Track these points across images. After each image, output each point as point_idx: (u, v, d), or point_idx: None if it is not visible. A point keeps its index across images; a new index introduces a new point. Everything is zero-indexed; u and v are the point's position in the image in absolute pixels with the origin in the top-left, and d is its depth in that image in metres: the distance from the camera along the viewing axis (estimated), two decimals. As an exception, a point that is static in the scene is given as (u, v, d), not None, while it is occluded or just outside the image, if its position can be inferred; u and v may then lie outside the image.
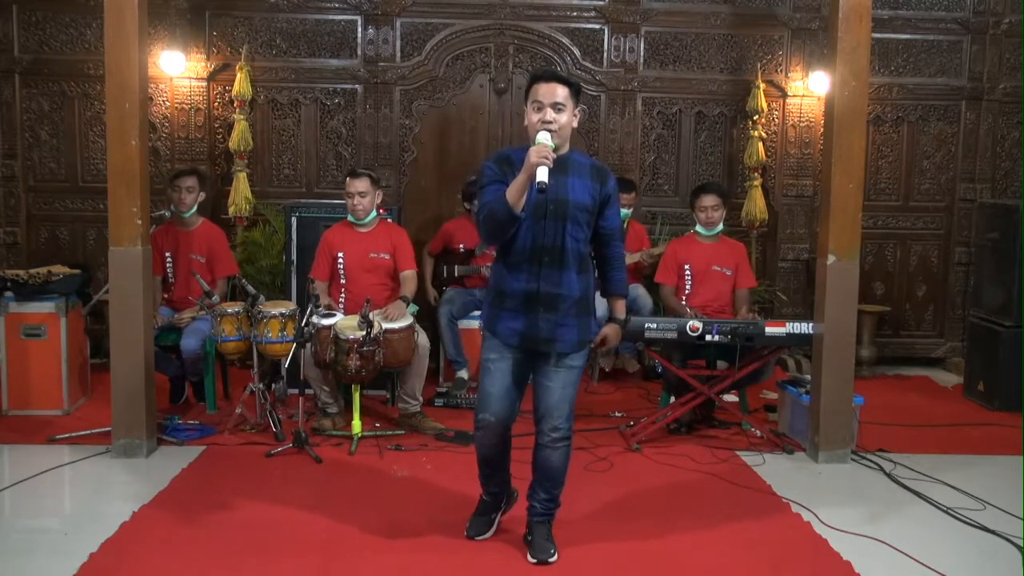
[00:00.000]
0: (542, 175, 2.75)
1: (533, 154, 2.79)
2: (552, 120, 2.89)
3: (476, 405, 3.11)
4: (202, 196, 5.02)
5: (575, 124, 3.00)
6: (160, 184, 5.40)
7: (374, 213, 4.78)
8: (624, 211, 5.69)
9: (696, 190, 5.02)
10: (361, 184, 4.69)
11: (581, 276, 3.02)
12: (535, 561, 3.08)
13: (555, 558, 3.09)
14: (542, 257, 2.95)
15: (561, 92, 2.92)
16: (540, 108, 2.91)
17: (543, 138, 2.84)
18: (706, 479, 3.99)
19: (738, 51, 6.22)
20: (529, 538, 3.16)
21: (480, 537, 3.26)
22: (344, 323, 4.33)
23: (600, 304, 5.35)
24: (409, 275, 4.77)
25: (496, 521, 3.32)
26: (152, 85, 5.77)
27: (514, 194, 2.84)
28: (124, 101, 4.00)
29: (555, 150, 2.83)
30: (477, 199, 3.13)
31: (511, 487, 3.35)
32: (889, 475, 4.08)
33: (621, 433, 4.61)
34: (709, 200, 4.87)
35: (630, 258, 5.62)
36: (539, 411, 3.07)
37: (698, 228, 4.96)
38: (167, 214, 4.84)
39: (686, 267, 4.93)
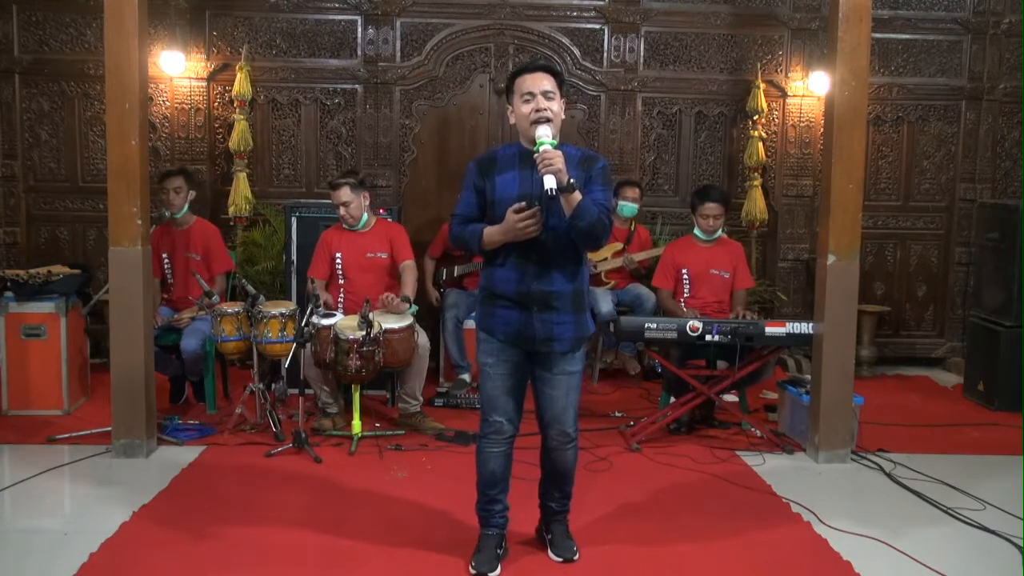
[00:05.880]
0: (549, 183, 2.70)
1: (514, 221, 2.75)
2: (545, 108, 2.81)
3: (482, 410, 3.04)
4: (192, 194, 5.02)
5: (562, 115, 2.92)
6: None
7: (365, 216, 4.76)
8: (632, 206, 5.65)
9: (698, 194, 4.95)
10: (343, 195, 4.64)
11: (572, 270, 2.92)
12: (561, 560, 3.09)
13: (578, 556, 3.10)
14: (530, 255, 2.86)
15: (548, 80, 2.86)
16: (530, 99, 2.83)
17: (543, 136, 2.76)
18: (706, 479, 3.99)
19: (738, 51, 6.22)
20: (549, 537, 3.17)
21: (492, 573, 2.98)
22: (344, 323, 4.33)
23: (604, 300, 5.36)
24: (408, 265, 4.74)
25: (502, 555, 3.07)
26: (152, 85, 5.77)
27: (490, 242, 2.88)
28: (124, 101, 4.00)
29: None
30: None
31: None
32: (889, 475, 4.08)
33: (621, 433, 4.61)
34: (712, 209, 4.82)
35: (612, 263, 5.60)
36: (544, 419, 3.03)
37: (696, 232, 4.96)
38: (166, 213, 4.85)
39: (684, 271, 4.92)
